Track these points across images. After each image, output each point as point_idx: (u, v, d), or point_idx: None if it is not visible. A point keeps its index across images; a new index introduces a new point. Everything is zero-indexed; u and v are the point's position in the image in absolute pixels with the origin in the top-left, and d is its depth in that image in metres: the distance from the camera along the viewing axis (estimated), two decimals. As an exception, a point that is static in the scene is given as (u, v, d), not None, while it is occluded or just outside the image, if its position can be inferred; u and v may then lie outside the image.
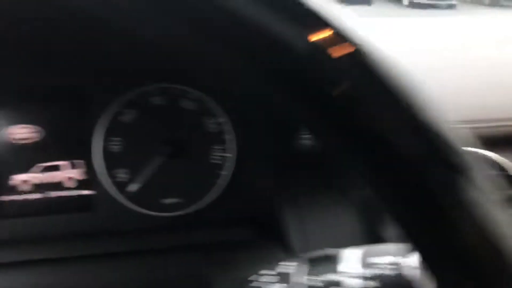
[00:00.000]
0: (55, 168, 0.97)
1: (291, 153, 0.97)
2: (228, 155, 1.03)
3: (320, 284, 0.56)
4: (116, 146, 0.98)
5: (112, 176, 0.97)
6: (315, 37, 0.30)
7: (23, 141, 0.96)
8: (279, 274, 0.64)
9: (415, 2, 7.70)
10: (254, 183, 1.00)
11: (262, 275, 0.67)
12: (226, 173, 1.02)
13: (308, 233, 0.90)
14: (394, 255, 0.54)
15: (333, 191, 0.95)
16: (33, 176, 0.95)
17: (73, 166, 0.97)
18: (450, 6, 7.34)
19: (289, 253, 0.86)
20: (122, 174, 0.98)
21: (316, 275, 0.58)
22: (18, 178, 0.95)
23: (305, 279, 0.59)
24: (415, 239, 0.27)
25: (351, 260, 0.58)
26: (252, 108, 0.96)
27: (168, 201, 1.00)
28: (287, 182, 0.96)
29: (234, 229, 0.94)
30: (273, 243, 0.90)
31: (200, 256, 0.86)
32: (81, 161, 0.98)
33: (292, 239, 0.90)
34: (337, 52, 0.30)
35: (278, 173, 0.97)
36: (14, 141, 0.95)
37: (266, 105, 0.89)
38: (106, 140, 0.98)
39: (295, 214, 0.93)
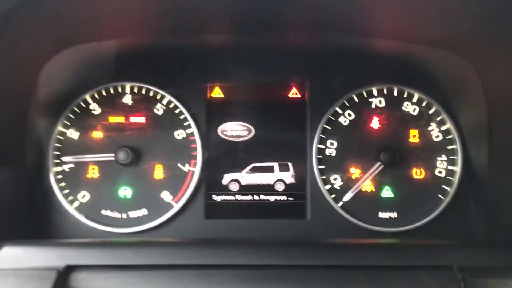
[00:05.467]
0: (268, 169, 0.91)
1: None
2: (453, 168, 0.90)
3: None
4: (330, 149, 0.90)
5: (325, 182, 0.89)
6: None
7: (235, 139, 0.91)
8: None
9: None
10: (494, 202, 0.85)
11: None
12: (449, 189, 0.89)
13: None
14: None
15: None
16: (242, 176, 0.90)
17: (284, 169, 0.91)
18: None
19: None
20: (336, 181, 0.90)
21: None
22: (229, 178, 0.91)
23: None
24: None
25: None
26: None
27: (384, 215, 0.89)
28: None
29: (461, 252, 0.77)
30: None
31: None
32: (292, 164, 0.91)
33: None
34: None
35: None
36: (226, 138, 0.91)
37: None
38: (321, 142, 0.90)
39: None
